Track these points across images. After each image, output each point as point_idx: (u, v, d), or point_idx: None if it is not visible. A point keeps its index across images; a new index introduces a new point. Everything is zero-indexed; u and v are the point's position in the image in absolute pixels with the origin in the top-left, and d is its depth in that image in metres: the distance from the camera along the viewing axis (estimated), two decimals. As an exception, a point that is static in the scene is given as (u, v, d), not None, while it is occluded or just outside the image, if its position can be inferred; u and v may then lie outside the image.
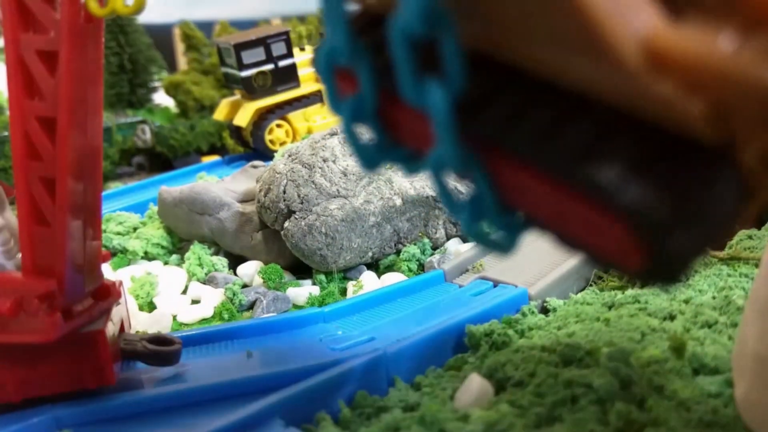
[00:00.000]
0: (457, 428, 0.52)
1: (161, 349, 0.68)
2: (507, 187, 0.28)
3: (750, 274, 0.73)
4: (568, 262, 0.84)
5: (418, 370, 0.67)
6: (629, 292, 0.75)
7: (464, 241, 1.00)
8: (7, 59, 0.55)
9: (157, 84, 1.89)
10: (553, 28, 0.22)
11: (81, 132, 0.57)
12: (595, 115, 0.25)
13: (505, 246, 0.29)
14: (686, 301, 0.70)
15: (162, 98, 1.88)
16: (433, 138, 0.27)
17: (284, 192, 0.96)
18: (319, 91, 1.48)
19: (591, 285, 0.85)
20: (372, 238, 0.96)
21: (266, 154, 1.42)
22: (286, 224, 0.96)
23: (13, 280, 0.59)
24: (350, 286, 0.94)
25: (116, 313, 0.68)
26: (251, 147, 1.52)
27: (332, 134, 1.05)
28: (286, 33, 1.46)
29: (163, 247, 1.10)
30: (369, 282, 0.94)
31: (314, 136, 1.07)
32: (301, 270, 0.99)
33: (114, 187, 1.47)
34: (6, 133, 1.45)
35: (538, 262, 0.85)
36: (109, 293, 0.67)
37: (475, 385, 0.59)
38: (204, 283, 0.97)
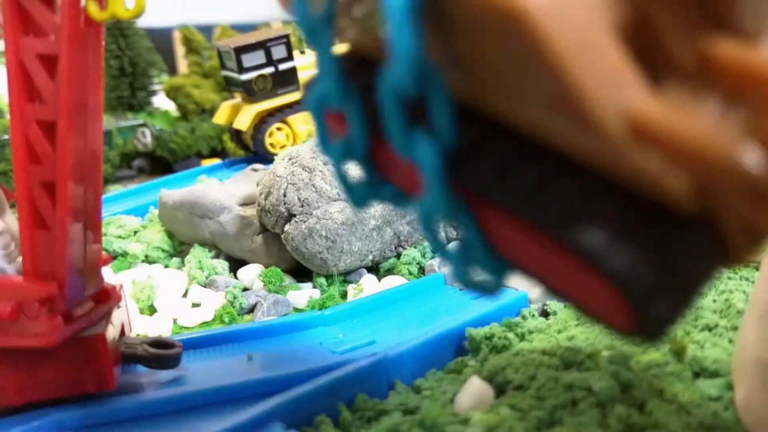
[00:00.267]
0: (457, 431, 0.52)
1: (162, 353, 0.68)
2: (495, 236, 0.28)
3: (751, 278, 0.73)
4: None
5: (418, 373, 0.67)
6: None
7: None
8: (8, 63, 0.55)
9: (157, 87, 1.89)
10: (539, 93, 0.23)
11: (81, 136, 0.57)
12: (580, 173, 0.25)
13: (491, 289, 0.30)
14: (686, 304, 0.69)
15: (162, 101, 1.88)
16: (422, 184, 0.27)
17: (285, 195, 0.96)
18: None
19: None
20: (372, 242, 0.97)
21: (266, 158, 1.42)
22: (287, 227, 0.96)
23: (13, 283, 0.60)
24: (350, 289, 0.94)
25: (117, 316, 0.68)
26: (251, 150, 1.52)
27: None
28: (287, 36, 1.46)
29: (163, 250, 1.10)
30: (369, 285, 0.94)
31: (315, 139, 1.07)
32: (301, 273, 0.99)
33: (114, 190, 1.47)
34: (7, 137, 1.46)
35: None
36: (109, 297, 0.67)
37: (475, 388, 0.59)
38: (204, 287, 0.97)
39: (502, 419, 0.53)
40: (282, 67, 1.45)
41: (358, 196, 0.33)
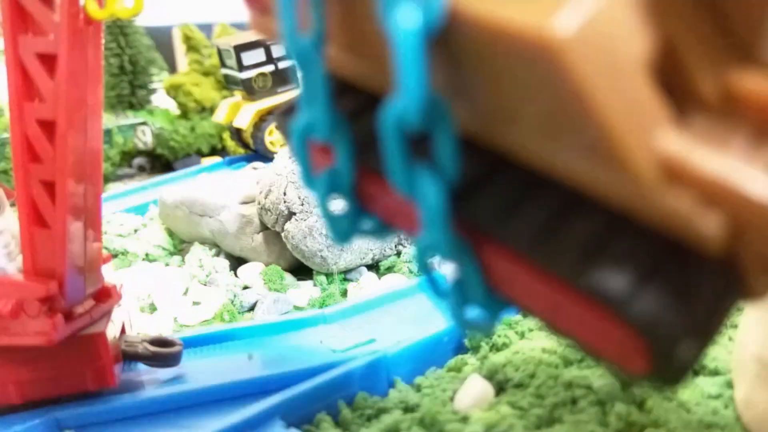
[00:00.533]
0: (457, 429, 0.52)
1: (162, 351, 0.68)
2: (496, 275, 0.27)
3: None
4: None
5: (418, 371, 0.67)
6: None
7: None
8: (7, 62, 0.55)
9: (157, 85, 1.89)
10: (562, 130, 0.21)
11: (81, 134, 0.57)
12: (594, 211, 0.23)
13: (487, 328, 0.28)
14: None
15: (162, 100, 1.88)
16: (417, 220, 0.26)
17: (285, 194, 0.96)
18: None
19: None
20: (372, 240, 0.97)
21: (267, 156, 1.42)
22: (287, 226, 0.96)
23: (14, 282, 0.60)
24: (351, 287, 0.94)
25: (117, 314, 0.69)
26: (252, 148, 1.52)
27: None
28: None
29: (164, 248, 1.10)
30: (369, 283, 0.94)
31: (314, 137, 1.07)
32: (301, 271, 0.99)
33: (114, 188, 1.47)
34: (6, 135, 1.46)
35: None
36: (110, 295, 0.67)
37: (475, 386, 0.59)
38: (205, 285, 0.97)
39: (501, 417, 0.53)
40: (282, 65, 1.45)
41: (342, 230, 0.32)
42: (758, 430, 0.46)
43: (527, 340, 0.69)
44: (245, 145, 1.56)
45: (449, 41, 0.22)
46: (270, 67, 1.44)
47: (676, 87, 0.21)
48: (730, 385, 0.52)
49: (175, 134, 1.68)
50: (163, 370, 0.69)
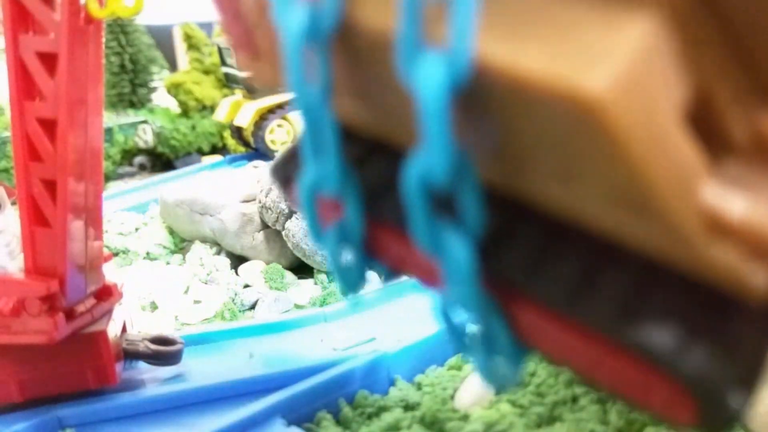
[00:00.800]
0: (458, 427, 0.53)
1: (163, 349, 0.68)
2: (525, 329, 0.26)
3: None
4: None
5: (418, 369, 0.67)
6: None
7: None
8: (8, 61, 0.55)
9: (158, 84, 1.89)
10: (599, 185, 0.20)
11: (81, 133, 0.57)
12: (626, 260, 0.22)
13: (512, 379, 0.27)
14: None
15: (163, 98, 1.88)
16: (440, 276, 0.24)
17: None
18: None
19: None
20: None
21: (267, 154, 1.42)
22: (288, 224, 0.96)
23: (15, 281, 0.60)
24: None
25: (118, 313, 0.69)
26: (252, 147, 1.52)
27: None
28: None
29: (164, 247, 1.10)
30: (370, 282, 0.94)
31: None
32: (302, 270, 0.99)
33: (115, 187, 1.47)
34: (7, 134, 1.46)
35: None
36: (111, 294, 0.67)
37: (475, 384, 0.59)
38: (205, 284, 0.97)
39: (502, 415, 0.53)
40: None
41: (353, 282, 0.30)
42: (759, 429, 0.46)
43: (528, 339, 0.69)
44: (246, 144, 1.56)
45: (474, 93, 0.20)
46: None
47: (708, 132, 0.20)
48: (730, 383, 0.52)
49: (175, 133, 1.68)
50: (164, 369, 0.69)
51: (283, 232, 0.97)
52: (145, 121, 1.69)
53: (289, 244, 0.97)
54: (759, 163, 0.20)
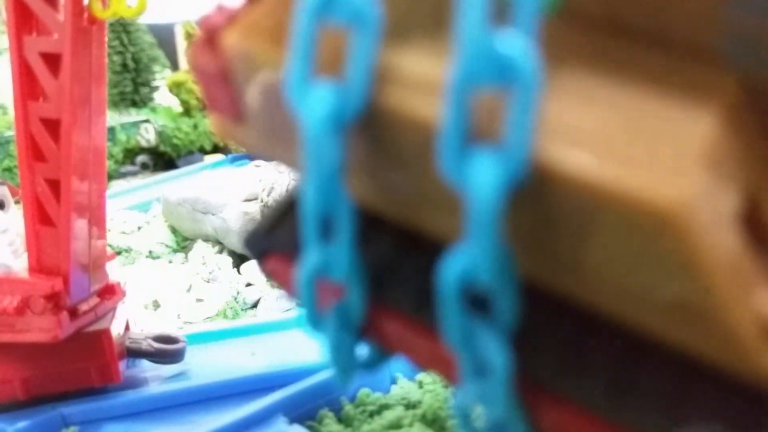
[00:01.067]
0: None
1: (166, 348, 0.68)
2: (552, 426, 0.24)
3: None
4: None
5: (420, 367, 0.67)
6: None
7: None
8: (12, 62, 0.55)
9: (160, 83, 1.89)
10: (655, 290, 0.19)
11: (85, 132, 0.57)
12: (666, 357, 0.21)
13: None
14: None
15: (165, 97, 1.89)
16: (459, 371, 0.22)
17: (287, 191, 0.97)
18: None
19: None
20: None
21: (269, 153, 1.42)
22: (289, 223, 0.96)
23: (19, 280, 0.60)
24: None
25: (121, 311, 0.69)
26: (254, 146, 1.52)
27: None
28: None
29: (167, 246, 1.11)
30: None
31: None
32: (304, 268, 1.00)
33: (118, 186, 1.48)
34: (10, 133, 1.46)
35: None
36: (114, 292, 0.67)
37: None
38: (208, 282, 0.98)
39: (503, 413, 0.53)
40: None
41: (348, 367, 0.29)
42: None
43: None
44: (248, 143, 1.56)
45: (528, 192, 0.19)
46: None
47: (758, 236, 0.20)
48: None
49: (177, 131, 1.68)
50: (166, 367, 0.69)
51: (285, 231, 0.98)
52: (147, 120, 1.69)
53: (291, 243, 0.97)
54: None
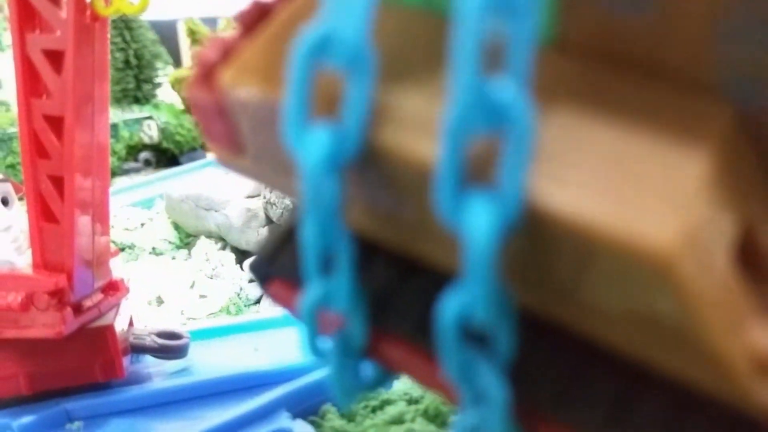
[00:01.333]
0: (461, 420, 0.53)
1: (170, 344, 0.68)
2: None
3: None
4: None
5: (422, 363, 0.67)
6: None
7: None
8: (15, 59, 0.55)
9: (162, 80, 1.89)
10: (654, 324, 0.19)
11: (88, 129, 0.58)
12: (662, 385, 0.22)
13: None
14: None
15: (167, 94, 1.89)
16: (455, 393, 0.23)
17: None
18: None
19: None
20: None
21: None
22: (292, 219, 0.96)
23: (23, 276, 0.60)
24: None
25: (125, 307, 0.69)
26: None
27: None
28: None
29: (170, 242, 1.11)
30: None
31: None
32: (306, 264, 1.00)
33: (120, 183, 1.48)
34: (12, 130, 1.46)
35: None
36: (118, 288, 0.67)
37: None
38: (211, 278, 0.98)
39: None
40: None
41: (351, 390, 0.29)
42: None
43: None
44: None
45: (524, 232, 0.19)
46: None
47: (752, 268, 0.20)
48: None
49: (180, 128, 1.68)
50: (170, 362, 0.70)
51: (288, 227, 0.98)
52: (149, 117, 1.69)
53: (294, 239, 0.97)
54: None
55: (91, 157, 0.59)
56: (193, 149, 1.71)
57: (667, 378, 0.21)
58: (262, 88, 0.24)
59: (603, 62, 0.20)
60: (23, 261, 0.63)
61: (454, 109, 0.18)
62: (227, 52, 0.25)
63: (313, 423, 0.59)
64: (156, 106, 1.83)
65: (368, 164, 0.22)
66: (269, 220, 1.03)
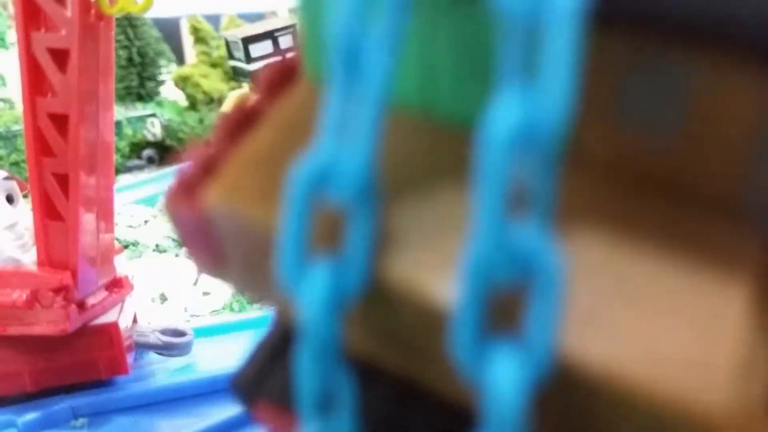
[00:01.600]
0: (464, 418, 0.53)
1: (173, 341, 0.69)
2: None
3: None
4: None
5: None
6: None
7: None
8: (20, 58, 0.56)
9: (166, 77, 1.90)
10: None
11: (93, 127, 0.58)
12: None
13: None
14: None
15: (170, 91, 1.89)
16: None
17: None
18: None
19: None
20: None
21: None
22: (295, 217, 0.96)
23: (28, 273, 0.61)
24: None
25: (129, 305, 0.70)
26: (260, 140, 1.53)
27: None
28: (294, 26, 1.46)
29: (174, 239, 1.11)
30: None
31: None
32: (309, 262, 1.00)
33: (124, 180, 1.48)
34: (17, 128, 1.47)
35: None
36: (122, 286, 0.68)
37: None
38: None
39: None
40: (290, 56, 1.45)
41: None
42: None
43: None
44: (253, 137, 1.56)
45: (554, 386, 0.18)
46: (278, 59, 1.45)
47: None
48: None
49: (183, 126, 1.69)
50: (174, 359, 0.70)
51: (291, 225, 0.98)
52: (153, 114, 1.70)
53: (297, 237, 0.97)
54: None
55: (95, 155, 0.59)
56: (197, 147, 1.72)
57: None
58: (252, 212, 0.21)
59: (621, 180, 0.19)
60: (28, 258, 0.63)
61: (476, 253, 0.17)
62: (210, 165, 0.22)
63: (316, 420, 0.59)
64: (159, 104, 1.83)
65: (373, 298, 0.20)
66: (272, 218, 1.03)
